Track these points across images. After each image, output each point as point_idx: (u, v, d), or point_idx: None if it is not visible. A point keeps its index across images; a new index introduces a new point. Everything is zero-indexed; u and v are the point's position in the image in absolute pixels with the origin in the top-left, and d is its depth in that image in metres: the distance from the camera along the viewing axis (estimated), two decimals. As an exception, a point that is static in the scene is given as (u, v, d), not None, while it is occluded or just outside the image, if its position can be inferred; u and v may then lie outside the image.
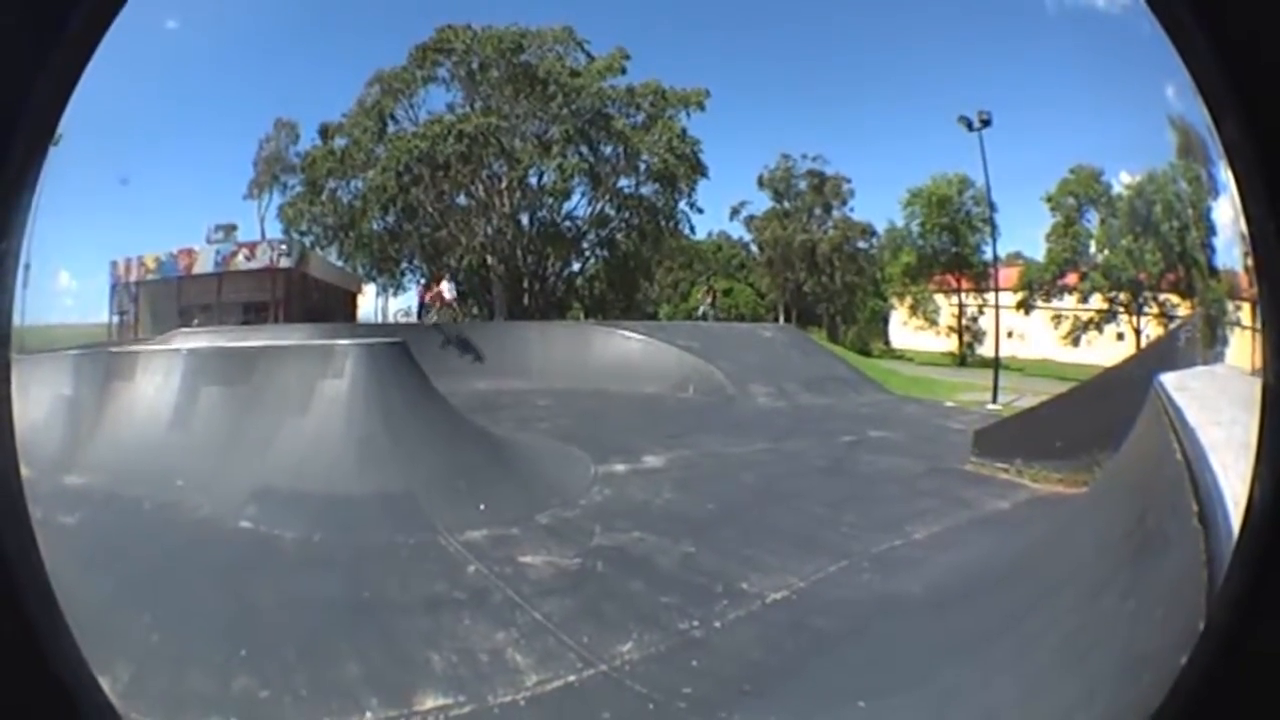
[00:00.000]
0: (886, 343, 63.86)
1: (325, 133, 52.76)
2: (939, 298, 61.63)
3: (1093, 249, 53.85)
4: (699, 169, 52.40)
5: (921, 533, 13.67)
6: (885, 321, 65.67)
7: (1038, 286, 55.18)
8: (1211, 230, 49.10)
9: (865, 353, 55.81)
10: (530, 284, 51.96)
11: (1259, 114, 2.02)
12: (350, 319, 52.30)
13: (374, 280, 55.65)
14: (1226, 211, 49.75)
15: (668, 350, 31.94)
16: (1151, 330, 48.13)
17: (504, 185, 50.11)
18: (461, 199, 51.04)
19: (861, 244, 63.73)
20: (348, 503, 12.84)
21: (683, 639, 8.91)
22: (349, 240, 53.27)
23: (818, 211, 62.86)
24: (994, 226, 53.85)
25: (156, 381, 15.80)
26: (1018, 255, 60.96)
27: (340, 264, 55.59)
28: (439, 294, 39.61)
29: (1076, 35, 66.32)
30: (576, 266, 55.60)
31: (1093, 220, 54.69)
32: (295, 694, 7.31)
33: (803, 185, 62.85)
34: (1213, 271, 48.66)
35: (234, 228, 51.39)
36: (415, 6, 61.21)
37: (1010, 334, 53.60)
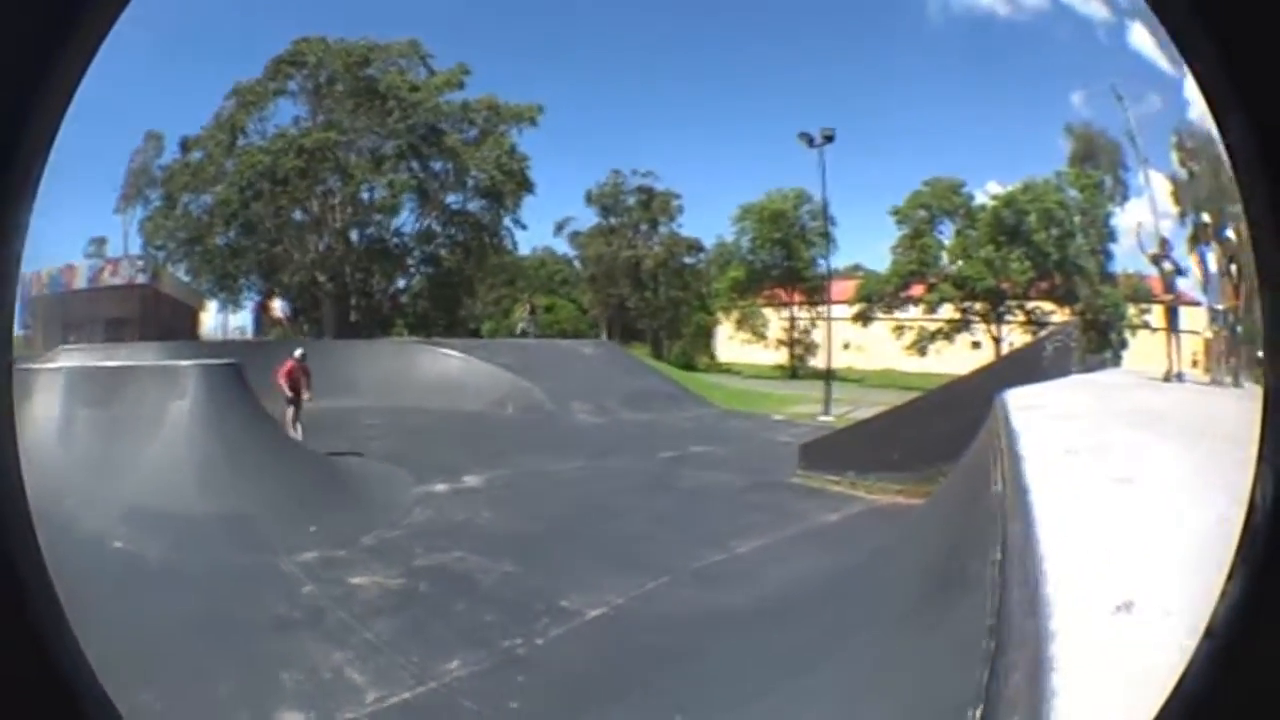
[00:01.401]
0: (712, 357, 63.70)
1: (185, 145, 51.34)
2: (768, 311, 61.77)
3: (945, 260, 54.84)
4: (525, 185, 52.50)
5: (745, 547, 14.01)
6: (710, 336, 65.48)
7: (878, 298, 55.84)
8: (1111, 236, 52.20)
9: (690, 367, 55.93)
10: (357, 301, 51.60)
11: (1261, 112, 1.98)
12: (194, 336, 50.86)
13: (216, 296, 54.21)
14: (1134, 215, 51.21)
15: (488, 368, 32.01)
16: (1016, 338, 48.84)
17: (336, 201, 49.70)
18: (298, 215, 50.30)
19: (688, 259, 63.89)
20: (189, 522, 12.81)
21: (507, 656, 9.15)
22: (195, 255, 51.88)
23: (644, 228, 62.63)
24: (829, 240, 53.57)
25: (39, 401, 15.57)
26: (858, 268, 62.14)
27: (188, 280, 53.93)
28: (272, 311, 38.88)
29: (950, 50, 67.71)
30: (402, 284, 55.27)
31: (947, 232, 55.84)
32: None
33: (632, 201, 62.78)
34: (1107, 277, 51.36)
35: (104, 241, 50.73)
36: (300, 17, 59.46)
37: (848, 346, 54.51)
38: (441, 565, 12.58)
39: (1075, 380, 17.62)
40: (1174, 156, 54.19)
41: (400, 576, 11.93)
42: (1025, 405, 11.29)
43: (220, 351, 25.94)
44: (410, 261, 54.13)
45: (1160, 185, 54.18)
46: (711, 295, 63.15)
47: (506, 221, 54.11)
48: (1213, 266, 17.39)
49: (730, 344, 63.07)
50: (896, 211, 55.70)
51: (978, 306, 52.79)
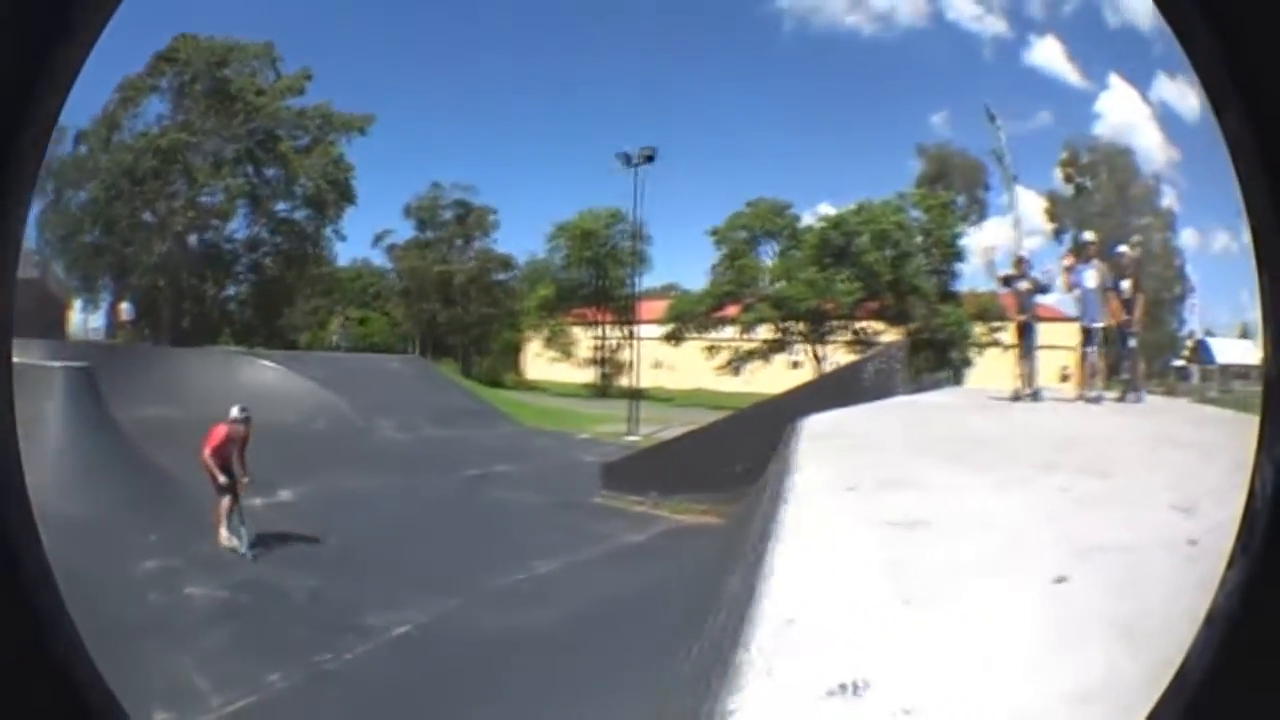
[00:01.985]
0: (520, 374, 63.42)
1: (76, 139, 49.37)
2: (578, 330, 61.83)
3: (766, 280, 55.00)
4: (348, 195, 52.46)
5: (545, 567, 14.59)
6: (519, 353, 65.22)
7: (690, 318, 55.89)
8: (959, 255, 53.49)
9: (498, 384, 55.52)
10: (190, 307, 50.84)
11: (1261, 106, 1.97)
12: (63, 335, 49.65)
13: (80, 295, 52.88)
14: (992, 235, 53.45)
15: (302, 381, 31.71)
16: (841, 358, 48.37)
17: (179, 204, 48.85)
18: (147, 216, 49.32)
19: (501, 276, 63.36)
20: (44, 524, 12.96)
21: (318, 670, 9.67)
22: (69, 253, 50.64)
23: (459, 242, 61.84)
24: (639, 259, 54.33)
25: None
26: (672, 288, 62.61)
27: (62, 276, 51.59)
28: (120, 314, 38.14)
29: (806, 70, 69.08)
30: (231, 291, 54.53)
31: (769, 252, 56.25)
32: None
33: (449, 215, 62.09)
34: (947, 296, 52.40)
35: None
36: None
37: (658, 365, 54.88)
38: (259, 579, 13.01)
39: (898, 402, 18.29)
40: (1059, 173, 57.43)
41: (224, 589, 12.40)
42: (820, 433, 11.77)
43: (79, 353, 25.62)
44: (239, 269, 53.52)
45: (1033, 203, 56.84)
46: (522, 312, 62.89)
47: (328, 232, 54.12)
48: (1091, 283, 18.11)
49: (538, 361, 62.74)
50: (715, 232, 56.17)
51: (799, 327, 53.03)
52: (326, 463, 22.87)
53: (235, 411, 17.37)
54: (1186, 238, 55.73)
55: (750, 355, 54.53)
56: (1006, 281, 19.58)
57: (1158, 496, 7.58)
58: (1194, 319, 54.83)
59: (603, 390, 56.75)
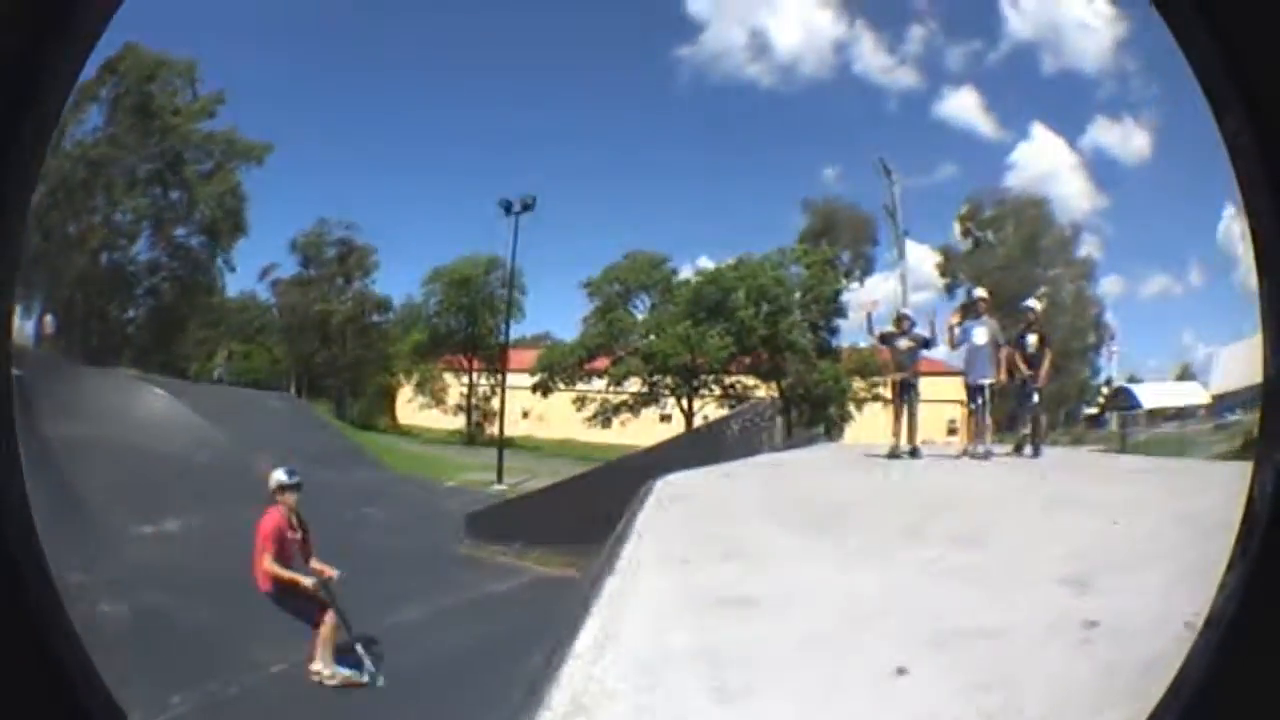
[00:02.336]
0: (393, 419, 62.92)
1: None
2: (450, 376, 60.94)
3: (637, 334, 54.75)
4: (240, 226, 51.88)
5: (404, 616, 14.49)
6: (392, 397, 64.61)
7: (560, 369, 55.40)
8: (840, 311, 53.55)
9: (370, 428, 54.88)
10: (97, 326, 49.97)
11: (1261, 108, 2.08)
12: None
13: (19, 304, 51.64)
14: (874, 290, 53.76)
15: (186, 411, 31.76)
16: (712, 411, 48.99)
17: (98, 220, 48.38)
18: (71, 229, 48.12)
19: (376, 318, 62.26)
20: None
21: (212, 698, 9.56)
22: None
23: (340, 281, 60.84)
24: (511, 308, 53.37)
25: None
26: (545, 337, 61.72)
27: None
28: (45, 327, 37.43)
29: (697, 123, 67.87)
30: (131, 314, 53.45)
31: (643, 306, 55.87)
32: None
33: (331, 253, 60.68)
34: (826, 352, 52.51)
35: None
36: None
37: (527, 414, 54.74)
38: (154, 606, 12.87)
39: (764, 460, 18.21)
40: (956, 227, 57.70)
41: (124, 612, 12.29)
42: (672, 496, 11.61)
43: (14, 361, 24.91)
44: (139, 292, 52.65)
45: (928, 258, 57.45)
46: (395, 356, 62.16)
47: (219, 262, 53.34)
48: (980, 340, 18.26)
49: (410, 407, 61.78)
50: (588, 284, 55.90)
51: (669, 380, 52.87)
52: (210, 496, 22.77)
53: (282, 476, 13.88)
54: (1110, 285, 56.01)
55: (619, 408, 54.42)
56: (884, 339, 19.69)
57: (1045, 569, 7.23)
58: (1112, 366, 55.22)
59: (471, 438, 56.21)
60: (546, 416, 56.46)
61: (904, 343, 19.17)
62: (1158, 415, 49.12)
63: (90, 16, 2.14)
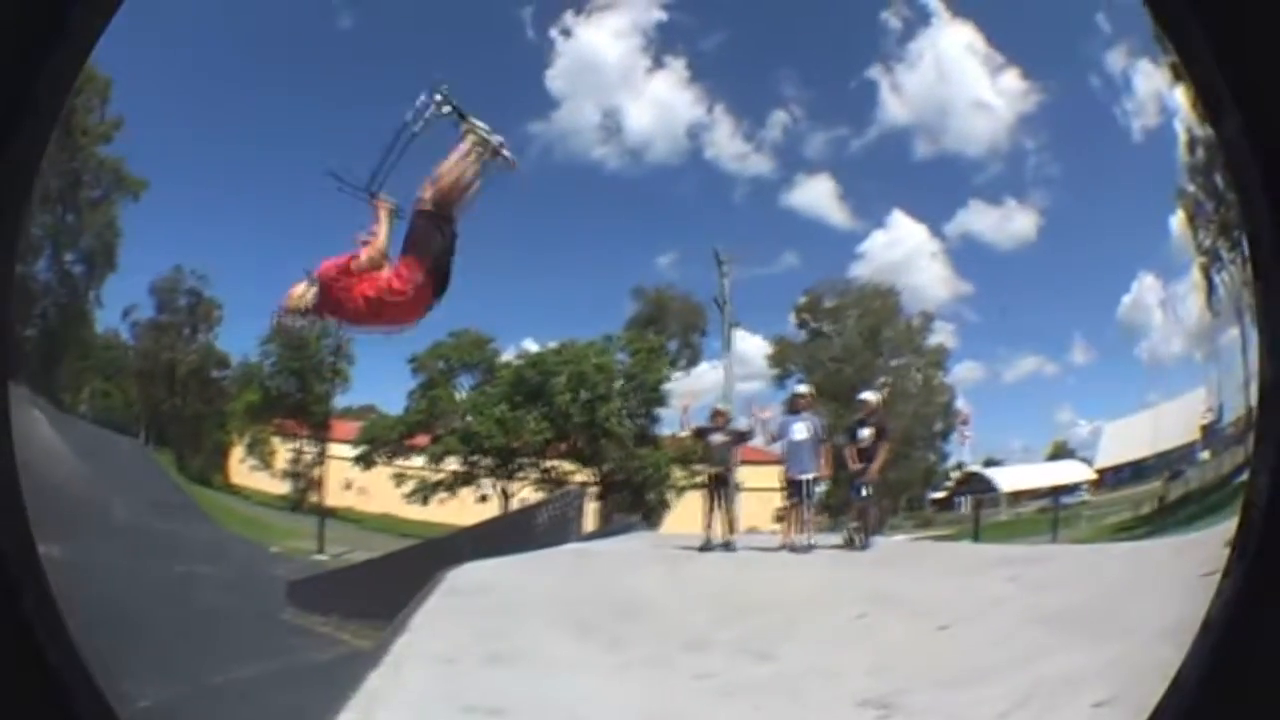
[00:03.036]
0: (226, 477, 61.80)
1: None
2: (278, 440, 59.65)
3: (457, 414, 53.94)
4: (111, 261, 50.42)
5: (223, 678, 14.18)
6: (227, 456, 63.55)
7: (382, 443, 54.43)
8: (662, 400, 51.76)
9: (206, 484, 53.16)
10: (4, 339, 48.03)
11: (1257, 114, 2.10)
12: None
13: None
14: (700, 380, 53.46)
15: (58, 440, 31.23)
16: (529, 494, 48.50)
17: (20, 230, 46.43)
18: None
19: (216, 373, 60.69)
20: None
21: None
22: None
23: (187, 331, 59.85)
24: (340, 376, 53.93)
25: None
26: (371, 409, 60.02)
27: None
28: None
29: (521, 204, 67.27)
30: (28, 332, 51.46)
31: (466, 385, 55.29)
32: None
33: (183, 302, 59.43)
34: (647, 439, 51.60)
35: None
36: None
37: (349, 486, 53.75)
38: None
39: (569, 550, 18.07)
40: (793, 318, 55.89)
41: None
42: (462, 588, 11.40)
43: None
44: (35, 312, 50.61)
45: (759, 348, 55.66)
46: (231, 414, 60.99)
47: (92, 296, 51.54)
48: (800, 435, 18.32)
49: (242, 467, 60.99)
50: (414, 360, 54.84)
51: (486, 462, 52.28)
52: (70, 530, 21.69)
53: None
54: (967, 371, 54.98)
55: (437, 486, 53.32)
56: (699, 433, 19.87)
57: (844, 686, 6.97)
58: (964, 450, 55.47)
59: (297, 505, 54.90)
60: (368, 489, 54.96)
61: (719, 437, 19.29)
62: (1024, 496, 48.49)
63: (87, 20, 2.18)
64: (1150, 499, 29.48)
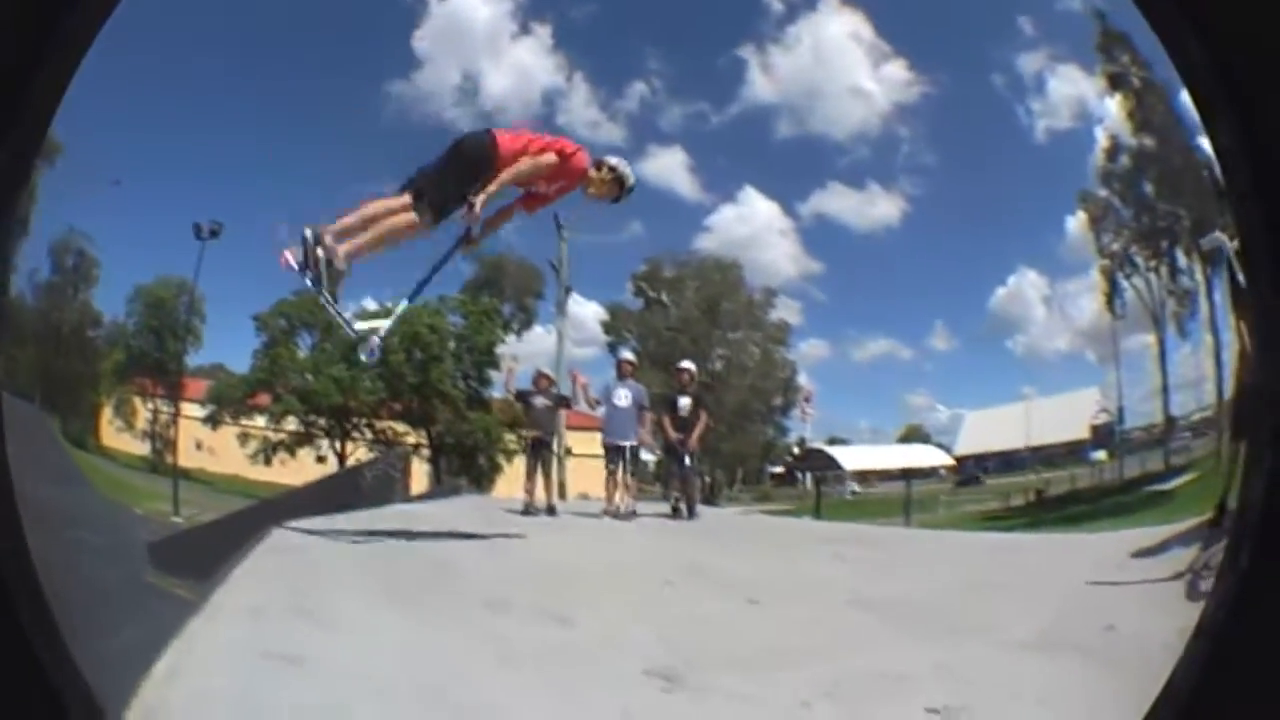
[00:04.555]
0: (99, 439, 59.60)
1: None
2: (139, 401, 57.99)
3: (298, 373, 52.75)
4: (26, 227, 49.10)
5: (109, 645, 14.81)
6: (99, 417, 61.23)
7: (227, 402, 53.42)
8: (493, 363, 51.68)
9: (83, 446, 52.41)
10: None
11: (1250, 116, 2.12)
12: None
13: None
14: (532, 344, 52.37)
15: None
16: (364, 455, 47.85)
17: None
18: None
19: (91, 333, 58.80)
20: None
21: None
22: None
23: (70, 291, 57.61)
24: (191, 335, 51.55)
25: None
26: (220, 368, 59.41)
27: None
28: None
29: (371, 161, 65.75)
30: None
31: (307, 344, 53.70)
32: None
33: (70, 261, 57.49)
34: (477, 402, 50.95)
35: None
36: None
37: (200, 446, 52.73)
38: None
39: (391, 512, 17.86)
40: (629, 285, 56.00)
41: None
42: (282, 546, 11.19)
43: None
44: None
45: (595, 315, 56.09)
46: (102, 375, 58.96)
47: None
48: (622, 402, 18.34)
49: (111, 428, 59.46)
50: (257, 318, 53.65)
51: (323, 422, 51.63)
52: None
53: None
54: (812, 349, 54.29)
55: (278, 447, 52.66)
56: (520, 397, 19.79)
57: (634, 654, 6.34)
58: (806, 427, 55.07)
59: (155, 466, 53.88)
60: (217, 450, 53.90)
61: (540, 401, 19.23)
62: (872, 476, 48.53)
63: (82, 23, 2.32)
64: (1022, 492, 27.91)
